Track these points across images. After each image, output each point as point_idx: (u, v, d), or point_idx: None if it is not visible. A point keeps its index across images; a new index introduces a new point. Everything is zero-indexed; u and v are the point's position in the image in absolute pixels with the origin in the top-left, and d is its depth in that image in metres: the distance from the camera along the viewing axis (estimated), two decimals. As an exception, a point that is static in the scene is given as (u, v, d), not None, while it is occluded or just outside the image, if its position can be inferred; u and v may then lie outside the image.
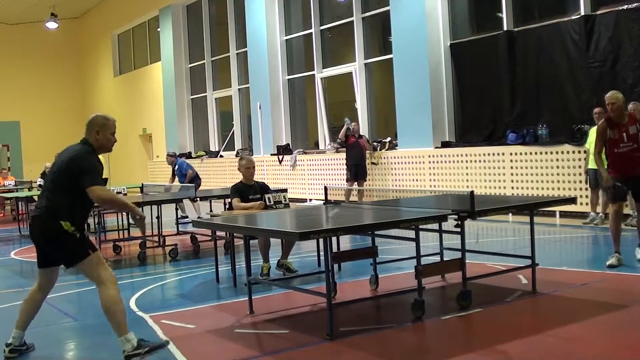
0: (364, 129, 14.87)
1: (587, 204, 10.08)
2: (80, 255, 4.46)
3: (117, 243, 9.78)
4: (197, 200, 11.85)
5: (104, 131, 4.63)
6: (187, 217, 12.43)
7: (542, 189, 10.88)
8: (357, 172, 13.36)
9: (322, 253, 5.89)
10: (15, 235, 12.68)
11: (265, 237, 6.79)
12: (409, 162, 13.21)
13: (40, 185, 15.14)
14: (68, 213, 4.45)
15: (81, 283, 7.22)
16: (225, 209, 8.55)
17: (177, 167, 14.20)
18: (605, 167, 7.12)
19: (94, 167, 4.49)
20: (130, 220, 11.19)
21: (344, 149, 13.71)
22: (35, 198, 15.22)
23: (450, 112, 13.00)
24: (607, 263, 6.91)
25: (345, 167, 13.68)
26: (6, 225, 14.68)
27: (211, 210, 10.68)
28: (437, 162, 12.62)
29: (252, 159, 7.81)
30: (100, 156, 4.69)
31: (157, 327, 5.24)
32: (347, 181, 13.41)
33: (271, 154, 16.90)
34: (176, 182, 13.93)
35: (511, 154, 11.38)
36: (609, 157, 7.03)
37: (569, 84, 10.91)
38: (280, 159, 16.46)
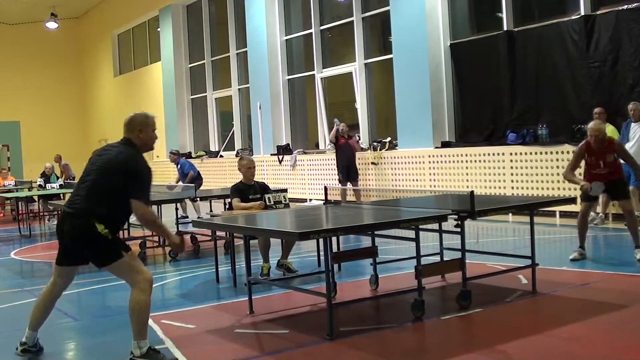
0: (363, 129, 14.89)
1: (587, 204, 10.07)
2: (111, 257, 4.30)
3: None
4: (197, 201, 11.85)
5: (147, 129, 4.49)
6: (187, 217, 12.43)
7: (542, 189, 10.88)
8: (348, 173, 13.39)
9: (322, 253, 5.88)
10: (15, 235, 12.68)
11: (265, 237, 6.79)
12: (409, 162, 13.21)
13: (40, 185, 15.15)
14: (106, 215, 4.29)
15: (81, 283, 7.23)
16: (225, 209, 8.55)
17: (179, 165, 14.24)
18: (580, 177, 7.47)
19: (147, 180, 4.39)
20: (131, 219, 11.21)
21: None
22: (35, 198, 15.27)
23: (450, 112, 13.00)
24: (570, 257, 7.17)
25: (336, 169, 13.71)
26: (6, 225, 14.67)
27: (211, 210, 10.69)
28: (437, 162, 12.62)
29: (253, 159, 7.81)
30: None
31: (157, 327, 5.23)
32: (339, 182, 13.43)
33: (271, 154, 16.90)
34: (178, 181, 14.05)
35: (511, 154, 11.38)
36: (586, 175, 7.32)
37: (569, 84, 10.90)
38: (280, 159, 16.46)
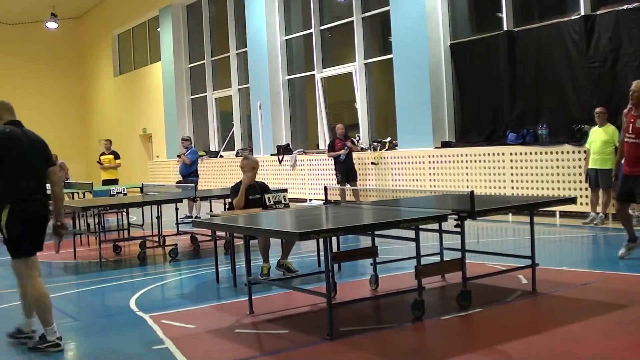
0: (363, 129, 14.89)
1: (587, 204, 10.08)
2: None
3: (117, 243, 9.77)
4: (197, 200, 11.85)
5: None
6: (192, 217, 12.37)
7: (542, 189, 10.88)
8: (347, 175, 13.38)
9: (322, 253, 5.88)
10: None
11: (265, 237, 6.80)
12: (409, 162, 13.21)
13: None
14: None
15: (81, 283, 7.23)
16: (225, 209, 8.54)
17: (188, 152, 14.20)
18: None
19: None
20: (131, 220, 11.20)
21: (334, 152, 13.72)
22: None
23: (450, 112, 13.00)
24: (619, 253, 7.13)
25: (334, 170, 13.69)
26: (6, 225, 14.63)
27: (211, 210, 10.68)
28: (437, 162, 12.62)
29: (257, 159, 7.80)
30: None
31: (157, 327, 5.23)
32: (337, 183, 13.44)
33: (271, 154, 16.90)
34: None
35: (511, 154, 11.38)
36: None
37: (569, 84, 10.90)
38: (280, 159, 16.46)
